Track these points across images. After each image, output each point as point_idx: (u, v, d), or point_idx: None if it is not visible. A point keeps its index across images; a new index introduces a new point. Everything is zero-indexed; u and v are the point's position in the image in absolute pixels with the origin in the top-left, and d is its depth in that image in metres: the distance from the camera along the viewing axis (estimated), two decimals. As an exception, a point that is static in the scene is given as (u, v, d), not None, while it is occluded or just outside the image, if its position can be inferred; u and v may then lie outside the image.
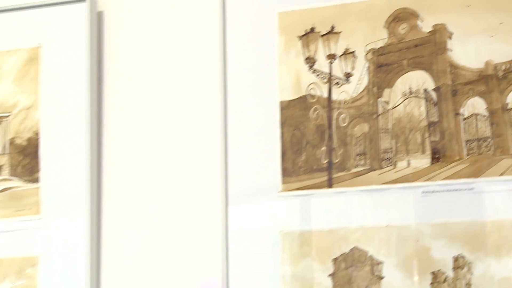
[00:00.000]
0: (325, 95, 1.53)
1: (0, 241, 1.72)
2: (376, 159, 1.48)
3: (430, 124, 1.46)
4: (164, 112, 1.66)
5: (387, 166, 1.48)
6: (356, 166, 1.50)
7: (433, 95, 1.46)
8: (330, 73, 1.53)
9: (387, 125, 1.49)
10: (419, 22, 1.49)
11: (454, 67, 1.45)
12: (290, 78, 1.55)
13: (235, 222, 1.55)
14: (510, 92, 1.43)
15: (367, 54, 1.51)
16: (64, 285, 1.68)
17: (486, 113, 1.44)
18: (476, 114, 1.44)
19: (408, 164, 1.46)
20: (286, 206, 1.52)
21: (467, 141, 1.44)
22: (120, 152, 1.70)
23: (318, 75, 1.54)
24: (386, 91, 1.50)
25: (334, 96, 1.53)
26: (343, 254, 1.46)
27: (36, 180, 1.71)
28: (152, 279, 1.63)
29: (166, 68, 1.68)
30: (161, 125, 1.66)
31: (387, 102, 1.50)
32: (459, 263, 1.39)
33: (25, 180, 1.72)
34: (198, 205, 1.60)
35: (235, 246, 1.54)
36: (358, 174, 1.49)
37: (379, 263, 1.43)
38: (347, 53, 1.53)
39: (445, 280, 1.39)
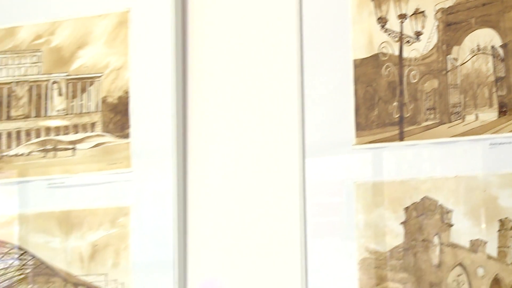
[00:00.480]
0: (396, 53, 1.56)
1: (94, 192, 1.77)
2: (445, 113, 1.51)
3: (497, 79, 1.48)
4: (244, 70, 1.70)
5: (456, 120, 1.50)
6: (426, 120, 1.52)
7: (500, 51, 1.48)
8: (401, 32, 1.55)
9: (456, 81, 1.51)
10: (487, -19, 1.51)
11: (521, 24, 1.47)
12: (363, 38, 1.58)
13: (312, 174, 1.59)
14: None
15: (436, 13, 1.53)
16: (154, 233, 1.73)
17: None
18: (542, 69, 1.45)
19: (476, 117, 1.49)
20: (359, 158, 1.56)
21: (533, 95, 1.46)
22: (204, 108, 1.73)
23: (389, 34, 1.56)
24: (455, 49, 1.52)
25: (405, 54, 1.55)
26: (414, 203, 1.50)
27: (126, 136, 1.76)
28: (233, 224, 1.68)
29: (245, 28, 1.71)
30: (242, 82, 1.69)
31: (455, 59, 1.51)
32: (525, 210, 1.42)
33: (117, 136, 1.77)
34: (277, 158, 1.64)
35: (312, 197, 1.59)
36: (428, 127, 1.52)
37: (449, 211, 1.47)
38: (417, 13, 1.54)
39: (512, 228, 1.44)
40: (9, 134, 1.85)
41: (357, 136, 1.57)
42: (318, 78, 1.61)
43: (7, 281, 1.82)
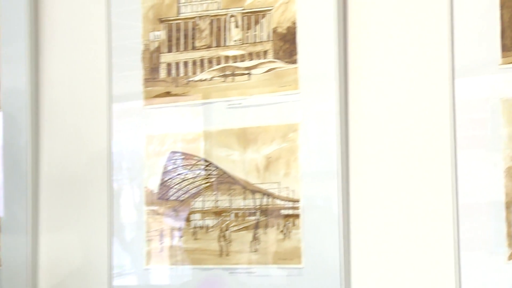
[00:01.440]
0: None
1: (267, 112, 1.87)
2: None
3: None
4: None
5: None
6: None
7: None
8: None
9: None
10: None
11: None
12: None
13: (461, 93, 1.65)
14: None
15: None
16: (319, 147, 1.82)
17: None
18: None
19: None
20: (505, 77, 1.61)
21: None
22: (363, 36, 1.79)
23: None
24: None
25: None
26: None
27: (294, 62, 1.84)
28: (392, 140, 1.75)
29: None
30: (398, 9, 1.74)
31: None
32: None
33: (286, 62, 1.86)
34: (428, 78, 1.70)
35: (461, 114, 1.65)
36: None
37: None
38: None
39: None
40: (194, 62, 1.98)
41: (503, 56, 1.60)
42: (467, 5, 1.65)
43: (195, 188, 1.97)
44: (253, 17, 1.92)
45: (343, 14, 1.82)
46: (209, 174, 1.96)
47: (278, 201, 1.88)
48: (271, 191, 1.89)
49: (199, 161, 1.98)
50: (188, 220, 1.98)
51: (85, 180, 2.12)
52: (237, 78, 1.94)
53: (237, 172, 1.93)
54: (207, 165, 1.97)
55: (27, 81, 2.15)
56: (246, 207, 1.92)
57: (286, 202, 1.88)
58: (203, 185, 1.97)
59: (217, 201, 1.95)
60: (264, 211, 1.90)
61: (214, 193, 1.95)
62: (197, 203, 1.97)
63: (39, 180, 2.16)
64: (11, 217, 2.15)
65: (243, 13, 1.93)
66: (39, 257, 2.14)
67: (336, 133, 1.81)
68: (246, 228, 1.92)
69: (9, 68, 2.17)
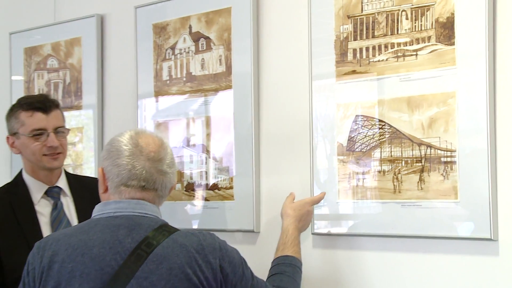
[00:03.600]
0: None
1: (430, 83, 1.85)
2: None
3: None
4: None
5: None
6: None
7: None
8: None
9: None
10: None
11: None
12: None
13: None
14: None
15: None
16: (472, 109, 1.80)
17: None
18: None
19: None
20: None
21: None
22: (509, 20, 1.73)
23: None
24: None
25: None
26: None
27: (452, 44, 1.82)
28: None
29: None
30: None
31: None
32: None
33: (445, 44, 1.84)
34: None
35: None
36: None
37: None
38: None
39: None
40: (373, 47, 1.98)
41: None
42: None
43: (374, 142, 1.98)
44: (420, 11, 1.91)
45: (493, 6, 1.79)
46: (384, 132, 1.97)
47: (438, 151, 1.87)
48: (433, 143, 1.88)
49: (375, 122, 1.99)
50: (369, 166, 1.99)
51: (293, 138, 2.16)
52: (406, 58, 1.93)
53: (406, 129, 1.93)
54: (383, 125, 1.97)
55: (251, 67, 2.22)
56: (414, 156, 1.91)
57: (445, 152, 1.86)
58: (380, 140, 1.98)
59: (391, 152, 1.95)
60: (428, 159, 1.89)
61: (388, 146, 1.96)
62: (376, 154, 1.98)
63: (260, 139, 2.22)
64: (241, 165, 2.24)
65: (412, 8, 1.92)
66: (261, 193, 2.21)
67: (485, 98, 1.79)
68: (414, 171, 1.91)
69: (238, 57, 2.26)
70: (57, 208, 2.07)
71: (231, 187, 2.22)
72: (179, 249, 1.53)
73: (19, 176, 2.12)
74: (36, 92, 2.75)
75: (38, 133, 2.03)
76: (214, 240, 1.60)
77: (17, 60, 2.83)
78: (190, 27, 2.33)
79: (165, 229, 1.57)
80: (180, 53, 2.34)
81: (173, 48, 2.37)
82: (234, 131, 2.24)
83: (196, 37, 2.31)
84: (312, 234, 2.09)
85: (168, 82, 2.38)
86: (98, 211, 1.63)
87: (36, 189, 2.07)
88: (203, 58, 2.30)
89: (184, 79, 2.34)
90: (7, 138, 2.10)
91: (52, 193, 2.09)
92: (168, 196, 1.69)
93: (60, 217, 2.07)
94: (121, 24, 2.55)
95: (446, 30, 1.85)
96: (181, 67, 2.34)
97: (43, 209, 2.06)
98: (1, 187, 2.15)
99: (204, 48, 2.29)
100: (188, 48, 2.32)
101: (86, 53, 2.62)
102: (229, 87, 2.24)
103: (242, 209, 2.20)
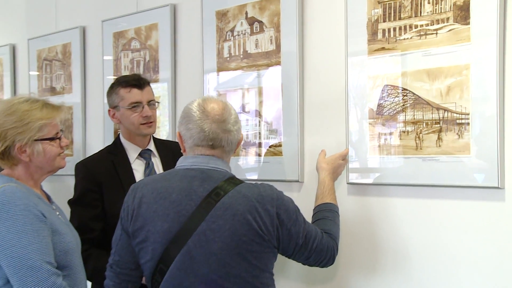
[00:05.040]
0: None
1: (448, 57, 1.79)
2: None
3: None
4: None
5: None
6: None
7: None
8: None
9: None
10: None
11: None
12: None
13: None
14: None
15: None
16: (484, 79, 1.74)
17: None
18: None
19: None
20: None
21: None
22: None
23: None
24: None
25: None
26: None
27: (468, 24, 1.77)
28: None
29: None
30: None
31: None
32: None
33: (462, 24, 1.79)
34: None
35: None
36: None
37: None
38: None
39: None
40: (400, 28, 1.94)
41: None
42: None
43: (399, 107, 1.95)
44: (441, -5, 1.86)
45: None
46: (408, 99, 1.94)
47: (454, 115, 1.84)
48: (449, 108, 1.86)
49: (401, 90, 1.96)
50: (394, 127, 1.98)
51: (331, 105, 2.15)
52: (428, 36, 1.89)
53: (427, 96, 1.90)
54: (406, 93, 1.95)
55: (297, 46, 2.21)
56: (433, 119, 1.89)
57: (460, 115, 1.83)
58: (404, 106, 1.95)
59: (414, 115, 1.93)
60: (445, 121, 1.87)
61: (411, 110, 1.93)
62: (401, 117, 1.96)
63: (304, 106, 2.21)
64: (288, 127, 2.24)
65: (435, -6, 1.87)
66: (304, 150, 2.21)
67: (495, 70, 1.76)
68: (433, 131, 1.89)
69: (286, 38, 2.25)
70: (149, 167, 2.13)
71: (280, 145, 2.24)
72: (242, 199, 1.55)
73: (117, 140, 2.17)
74: (122, 69, 2.81)
75: (135, 105, 2.08)
76: (272, 191, 1.61)
77: (107, 43, 2.89)
78: (246, 13, 2.33)
79: (232, 181, 1.60)
80: (238, 35, 2.35)
81: (232, 30, 2.38)
82: (282, 99, 2.24)
83: (251, 21, 2.31)
84: (347, 183, 2.10)
85: (228, 59, 2.39)
86: (179, 162, 1.68)
87: (132, 151, 2.13)
88: (257, 39, 2.30)
89: (241, 56, 2.35)
90: (109, 110, 2.16)
91: (145, 154, 2.15)
92: (237, 149, 1.70)
93: (152, 174, 2.12)
94: (190, 11, 2.57)
95: (462, 12, 1.81)
96: (239, 47, 2.35)
97: (137, 167, 2.12)
98: (102, 149, 2.22)
99: (258, 30, 2.29)
100: (245, 30, 2.33)
101: (162, 36, 2.65)
102: (278, 63, 2.24)
103: (289, 163, 2.21)
